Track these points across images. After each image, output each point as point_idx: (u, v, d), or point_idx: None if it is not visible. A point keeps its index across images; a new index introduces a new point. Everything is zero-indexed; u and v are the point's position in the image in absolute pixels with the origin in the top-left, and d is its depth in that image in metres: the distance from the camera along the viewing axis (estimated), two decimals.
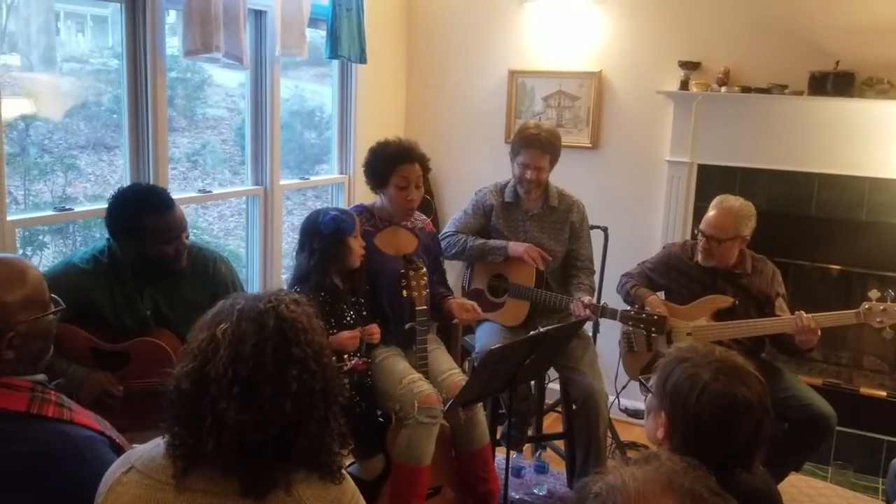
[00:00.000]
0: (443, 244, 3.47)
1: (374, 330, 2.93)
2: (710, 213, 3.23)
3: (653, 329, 3.10)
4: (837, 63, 3.70)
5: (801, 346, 3.09)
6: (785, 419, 3.12)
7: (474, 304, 3.16)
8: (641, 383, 1.82)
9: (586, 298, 3.26)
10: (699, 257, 3.27)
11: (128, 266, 2.52)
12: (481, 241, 3.45)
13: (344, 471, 1.46)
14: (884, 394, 3.84)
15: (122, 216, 2.49)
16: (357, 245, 2.93)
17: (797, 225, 3.94)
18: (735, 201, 3.22)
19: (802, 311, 3.05)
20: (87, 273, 2.47)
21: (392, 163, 3.09)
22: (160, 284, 2.59)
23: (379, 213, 3.20)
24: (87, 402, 2.36)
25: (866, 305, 2.97)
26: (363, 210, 3.22)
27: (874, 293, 2.97)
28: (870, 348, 4.11)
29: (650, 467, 1.10)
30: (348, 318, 2.90)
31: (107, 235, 2.56)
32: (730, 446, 1.58)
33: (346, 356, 2.66)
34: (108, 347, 2.45)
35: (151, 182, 3.12)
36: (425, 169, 3.17)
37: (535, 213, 3.46)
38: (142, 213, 2.47)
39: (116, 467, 1.42)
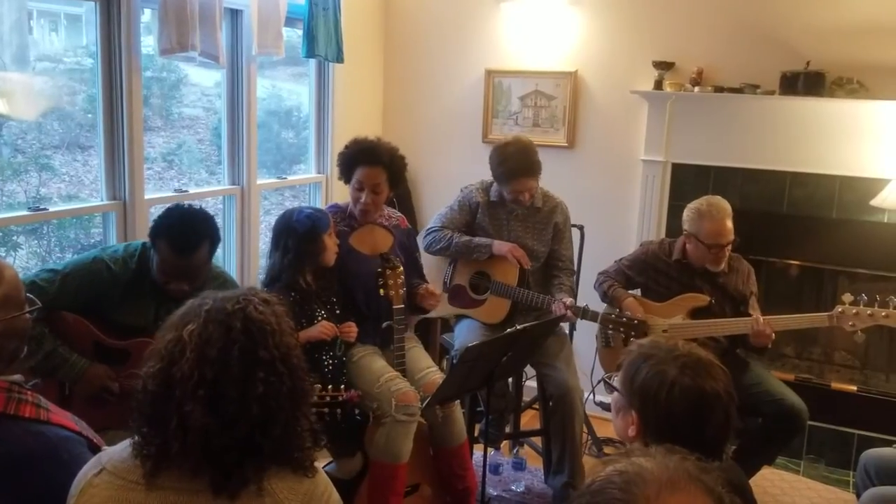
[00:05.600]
0: (428, 238, 3.48)
1: (352, 328, 2.93)
2: (708, 224, 3.15)
3: (632, 333, 3.13)
4: (808, 63, 3.76)
5: (755, 346, 3.13)
6: (758, 414, 3.16)
7: (428, 286, 3.16)
8: (606, 382, 1.84)
9: (568, 300, 3.29)
10: (711, 267, 3.24)
11: (150, 279, 2.51)
12: (466, 238, 3.46)
13: (316, 464, 1.47)
14: (854, 388, 3.90)
15: (156, 223, 2.48)
16: (332, 242, 2.92)
17: (769, 223, 3.99)
18: (719, 201, 3.21)
19: (760, 316, 3.09)
20: (111, 273, 2.47)
21: (353, 162, 3.09)
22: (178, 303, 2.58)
23: (353, 212, 3.19)
24: (85, 394, 2.38)
25: (839, 309, 3.00)
26: (338, 210, 3.22)
27: (847, 297, 3.00)
28: (840, 344, 4.18)
29: (676, 457, 1.07)
30: (319, 318, 2.89)
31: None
32: (702, 438, 1.60)
33: (341, 388, 2.56)
34: (110, 343, 2.46)
35: (126, 182, 3.12)
36: (394, 174, 3.12)
37: (519, 212, 3.48)
38: (161, 236, 2.44)
39: (88, 469, 1.42)
